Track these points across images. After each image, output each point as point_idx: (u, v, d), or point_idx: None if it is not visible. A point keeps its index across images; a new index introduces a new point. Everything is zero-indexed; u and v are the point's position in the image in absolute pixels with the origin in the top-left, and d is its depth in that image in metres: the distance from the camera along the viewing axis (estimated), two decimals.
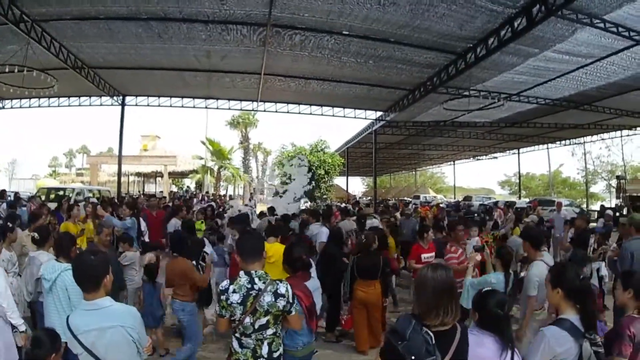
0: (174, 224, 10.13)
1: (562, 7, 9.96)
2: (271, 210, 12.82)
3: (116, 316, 2.92)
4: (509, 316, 2.85)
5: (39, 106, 23.35)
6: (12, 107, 23.71)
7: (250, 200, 14.90)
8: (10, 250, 5.87)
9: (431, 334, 2.40)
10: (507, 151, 43.20)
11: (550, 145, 39.20)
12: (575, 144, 38.90)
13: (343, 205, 22.70)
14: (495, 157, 46.72)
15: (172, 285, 5.71)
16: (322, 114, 23.82)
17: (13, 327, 4.39)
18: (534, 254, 5.18)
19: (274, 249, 5.68)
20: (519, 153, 42.55)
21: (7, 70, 13.09)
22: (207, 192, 31.42)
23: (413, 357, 2.32)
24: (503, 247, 6.08)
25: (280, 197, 11.93)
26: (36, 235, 5.54)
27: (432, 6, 11.07)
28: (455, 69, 14.77)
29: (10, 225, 6.32)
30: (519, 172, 47.28)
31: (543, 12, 10.24)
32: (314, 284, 4.69)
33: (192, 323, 5.69)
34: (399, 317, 2.68)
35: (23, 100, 22.91)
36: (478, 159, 49.72)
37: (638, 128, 29.79)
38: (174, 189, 41.53)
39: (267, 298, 3.41)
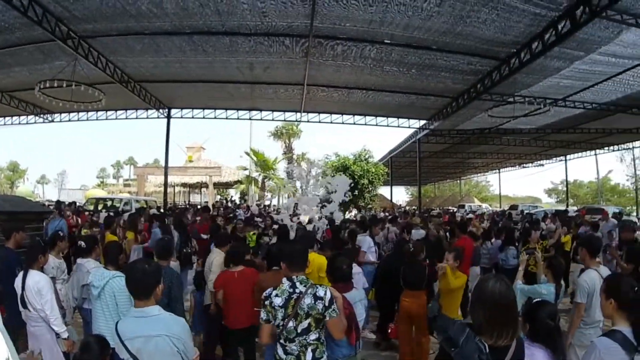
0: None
1: (606, 8, 9.62)
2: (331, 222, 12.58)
3: (163, 325, 2.96)
4: (559, 328, 2.81)
5: (87, 119, 24.18)
6: (61, 121, 24.76)
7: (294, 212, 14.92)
8: (60, 257, 6.05)
9: (485, 343, 2.35)
10: (554, 158, 41.93)
11: (598, 151, 37.22)
12: (624, 149, 37.27)
13: (388, 215, 22.51)
14: (542, 165, 45.40)
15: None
16: (365, 124, 23.71)
17: (57, 333, 4.56)
18: (589, 262, 5.12)
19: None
20: (565, 160, 41.19)
21: (56, 85, 13.59)
22: (258, 203, 31.63)
23: None
24: (555, 257, 5.94)
25: (325, 207, 11.80)
26: (83, 244, 5.73)
27: (473, 12, 10.90)
28: (499, 75, 14.47)
29: (62, 234, 6.53)
30: (566, 179, 45.54)
31: (587, 13, 9.91)
32: (355, 295, 4.62)
33: None
34: (455, 324, 2.64)
35: (72, 114, 23.87)
36: (524, 167, 48.43)
37: None
38: (218, 199, 42.11)
39: (307, 300, 3.51)
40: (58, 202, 17.85)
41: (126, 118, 23.98)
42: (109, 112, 23.67)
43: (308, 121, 24.00)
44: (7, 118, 25.00)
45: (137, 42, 13.79)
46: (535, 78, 15.88)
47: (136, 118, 23.90)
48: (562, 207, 38.33)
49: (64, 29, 12.40)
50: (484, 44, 12.88)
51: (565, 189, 48.53)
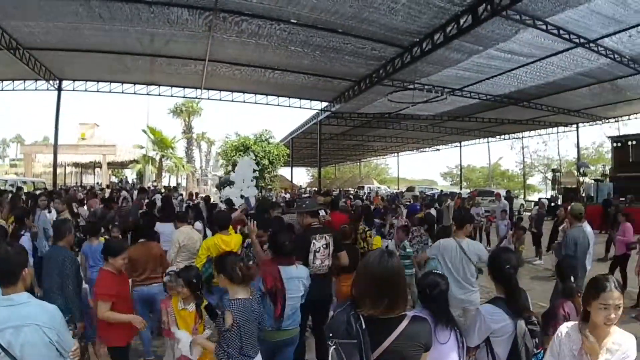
0: None
1: (507, 7, 10.42)
2: (228, 202, 12.27)
3: (32, 314, 2.66)
4: (445, 296, 3.09)
5: None
6: None
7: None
8: None
9: (361, 318, 2.24)
10: (450, 144, 44.89)
11: (490, 139, 41.01)
12: (514, 138, 41.22)
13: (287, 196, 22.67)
14: (438, 150, 48.39)
15: None
16: (267, 104, 23.66)
17: None
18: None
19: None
20: (460, 146, 44.31)
21: None
22: (154, 183, 30.58)
23: (330, 334, 2.26)
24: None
25: (230, 187, 11.61)
26: None
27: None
28: (401, 62, 15.04)
29: None
30: (461, 164, 48.87)
31: (488, 11, 10.66)
32: (292, 271, 4.42)
33: None
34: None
35: None
36: (421, 151, 51.03)
37: (573, 125, 31.18)
38: (114, 179, 40.14)
39: None
40: None
41: (13, 89, 21.83)
42: None
43: (209, 98, 23.47)
44: None
45: (29, 3, 12.52)
46: (435, 68, 16.65)
47: (24, 89, 21.77)
48: (456, 190, 40.68)
49: None
50: (388, 31, 13.22)
51: (459, 172, 51.39)
